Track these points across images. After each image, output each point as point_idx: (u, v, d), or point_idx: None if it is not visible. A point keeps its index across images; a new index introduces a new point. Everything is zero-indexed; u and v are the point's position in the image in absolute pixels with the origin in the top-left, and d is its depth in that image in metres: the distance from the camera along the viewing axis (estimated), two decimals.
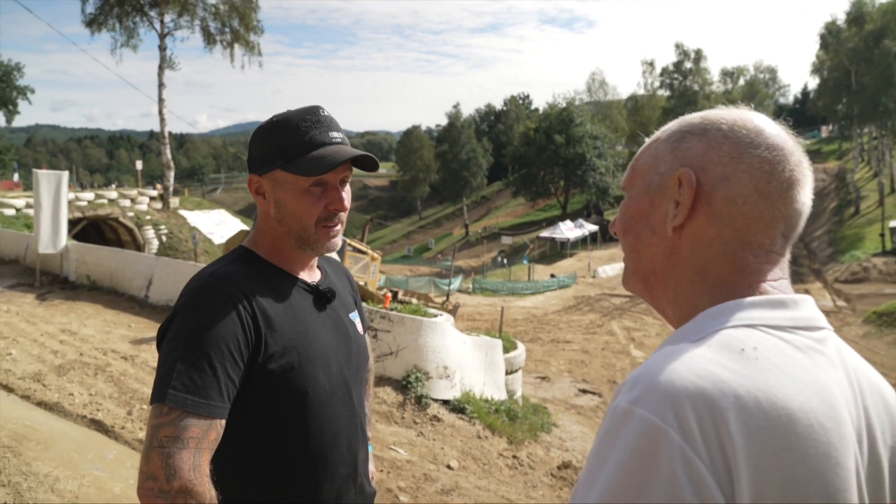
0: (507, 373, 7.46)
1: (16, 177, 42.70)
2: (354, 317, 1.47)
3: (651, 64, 53.19)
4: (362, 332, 1.49)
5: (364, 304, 6.33)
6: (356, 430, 1.37)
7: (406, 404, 5.54)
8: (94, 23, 25.98)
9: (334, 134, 1.29)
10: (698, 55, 50.84)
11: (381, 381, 5.83)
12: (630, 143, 58.19)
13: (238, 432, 1.20)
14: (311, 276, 1.39)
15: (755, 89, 58.94)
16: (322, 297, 1.35)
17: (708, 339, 0.65)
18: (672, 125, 0.80)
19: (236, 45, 27.61)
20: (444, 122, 72.77)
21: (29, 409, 5.04)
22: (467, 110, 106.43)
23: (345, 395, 1.34)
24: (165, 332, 1.20)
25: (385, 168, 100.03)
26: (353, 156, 1.26)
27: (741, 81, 55.98)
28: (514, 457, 5.57)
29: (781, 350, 0.64)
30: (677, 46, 51.29)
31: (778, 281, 0.72)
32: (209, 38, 27.26)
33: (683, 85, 50.84)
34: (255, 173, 1.31)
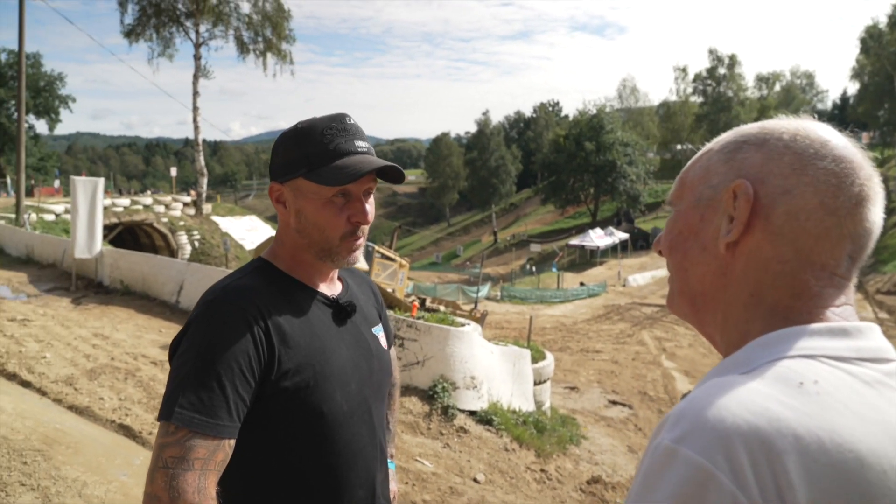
0: (536, 383, 7.33)
1: (56, 183, 43.86)
2: (378, 331, 1.41)
3: (683, 70, 52.58)
4: (386, 347, 1.43)
5: (390, 312, 6.30)
6: (375, 451, 1.30)
7: (432, 415, 5.46)
8: (132, 33, 26.67)
9: (360, 143, 1.24)
10: (732, 60, 50.04)
11: (408, 390, 5.77)
12: (662, 150, 57.52)
13: (248, 453, 1.14)
14: (331, 288, 1.34)
15: (792, 95, 57.73)
16: (342, 311, 1.29)
17: (761, 370, 0.58)
18: (727, 136, 0.74)
19: (269, 54, 28.07)
20: (473, 129, 73.00)
21: (60, 412, 5.10)
22: (497, 117, 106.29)
23: (364, 415, 1.27)
24: (177, 346, 1.15)
25: (414, 175, 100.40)
26: (378, 166, 1.21)
27: (777, 87, 54.95)
28: (543, 470, 5.44)
29: (846, 384, 0.56)
30: (711, 52, 50.59)
31: (842, 307, 0.64)
32: (242, 48, 27.74)
33: (717, 91, 50.06)
34: (276, 181, 1.26)
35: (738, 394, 0.54)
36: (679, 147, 54.03)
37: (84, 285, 10.17)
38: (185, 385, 1.06)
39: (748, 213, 0.65)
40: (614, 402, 11.98)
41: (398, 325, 5.96)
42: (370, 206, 1.27)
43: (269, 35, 27.83)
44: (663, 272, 34.80)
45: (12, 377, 5.75)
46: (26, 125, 48.62)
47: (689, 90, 52.46)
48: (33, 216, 17.23)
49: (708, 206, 0.70)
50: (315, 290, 1.28)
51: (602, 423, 10.26)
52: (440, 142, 75.29)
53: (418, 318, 6.39)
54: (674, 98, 54.44)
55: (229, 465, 1.08)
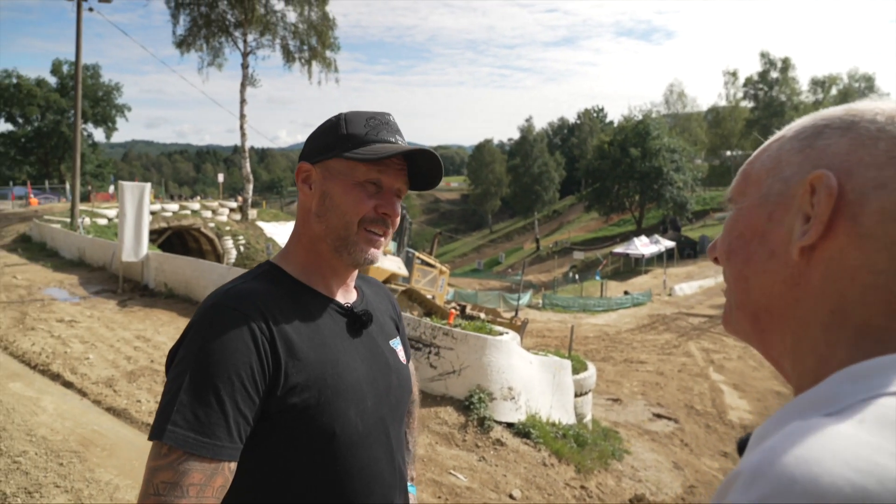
0: (577, 395, 7.10)
1: (111, 189, 45.50)
2: (396, 344, 1.28)
3: (734, 74, 51.18)
4: (405, 361, 1.30)
5: (427, 320, 6.18)
6: (394, 476, 1.17)
7: (468, 426, 5.30)
8: (183, 43, 27.44)
9: (399, 138, 1.17)
10: (786, 64, 48.50)
11: (443, 400, 5.63)
12: (710, 157, 56.09)
13: (251, 478, 1.03)
14: (345, 296, 1.22)
15: (849, 99, 55.09)
16: (357, 320, 1.17)
17: (856, 411, 0.44)
18: (803, 120, 0.61)
19: (314, 63, 28.50)
20: (516, 135, 72.78)
21: (99, 414, 5.15)
22: (540, 124, 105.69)
23: (381, 436, 1.14)
24: (174, 355, 1.04)
25: (456, 182, 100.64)
26: (418, 148, 1.12)
27: (833, 91, 52.87)
28: (583, 487, 5.22)
29: None
30: (763, 55, 49.16)
31: None
32: (288, 56, 28.25)
33: (769, 95, 48.59)
34: (307, 161, 1.17)
35: (833, 443, 0.41)
36: (728, 153, 52.54)
37: (130, 288, 10.40)
38: (180, 400, 0.94)
39: (830, 210, 0.52)
40: (659, 416, 11.59)
41: (434, 333, 5.84)
42: (399, 206, 1.17)
43: (314, 44, 28.26)
44: (711, 281, 33.82)
45: (56, 377, 5.85)
46: (85, 133, 51.04)
47: (740, 95, 51.07)
48: (87, 220, 17.81)
49: (778, 202, 0.57)
50: (328, 297, 1.17)
51: (646, 437, 9.92)
52: (483, 148, 75.29)
53: (455, 326, 6.25)
54: (723, 103, 53.03)
55: (229, 491, 0.97)
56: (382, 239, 1.16)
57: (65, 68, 48.00)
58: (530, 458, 5.16)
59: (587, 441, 6.21)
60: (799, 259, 0.54)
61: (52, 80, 50.26)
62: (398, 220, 1.17)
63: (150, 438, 0.95)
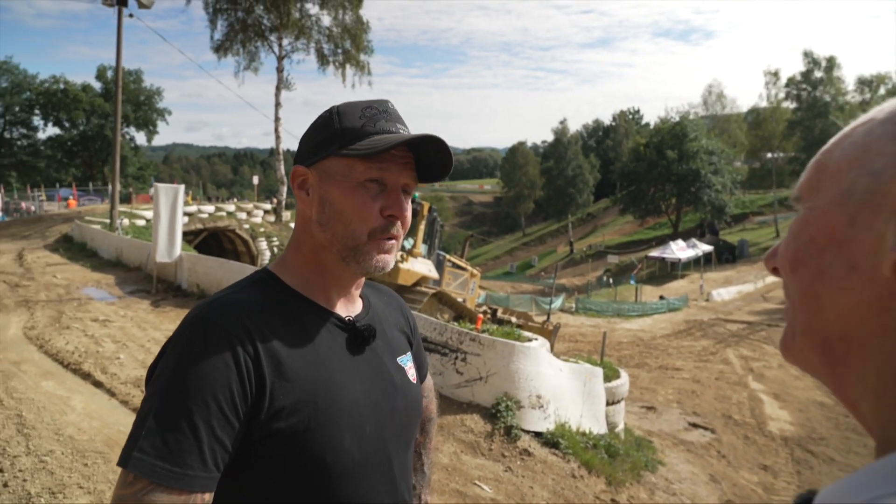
0: (608, 404, 6.89)
1: (151, 191, 46.62)
2: (405, 361, 1.16)
3: (775, 74, 49.75)
4: (416, 380, 1.18)
5: (454, 325, 6.06)
6: None
7: (494, 435, 5.16)
8: (220, 48, 27.94)
9: (401, 126, 1.05)
10: (831, 63, 46.95)
11: (469, 407, 5.50)
12: (750, 159, 54.75)
13: None
14: (348, 308, 1.11)
15: None
16: (358, 335, 1.06)
17: None
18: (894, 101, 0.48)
19: (347, 66, 28.71)
20: (550, 138, 72.27)
21: (126, 414, 5.17)
22: (574, 126, 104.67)
23: (381, 465, 1.03)
24: (152, 372, 0.95)
25: (489, 184, 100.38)
26: (421, 136, 1.00)
27: (882, 90, 50.97)
28: (613, 500, 5.03)
29: None
30: (806, 54, 47.66)
31: None
32: (323, 60, 28.52)
33: (813, 96, 47.07)
34: (301, 164, 1.06)
35: None
36: (769, 155, 51.13)
37: (164, 288, 10.54)
38: (148, 425, 0.85)
39: None
40: (695, 425, 11.24)
41: (461, 338, 5.71)
42: (408, 205, 1.06)
43: (348, 47, 28.47)
44: (750, 287, 32.98)
45: (87, 376, 5.91)
46: (127, 136, 52.52)
47: (782, 95, 49.54)
48: (126, 221, 18.21)
49: (864, 202, 0.45)
50: (326, 310, 1.06)
51: (681, 447, 9.63)
52: (516, 151, 74.93)
53: (483, 331, 6.11)
54: (764, 104, 51.56)
55: None
56: (394, 243, 1.05)
57: (109, 74, 49.50)
58: (559, 470, 4.99)
59: (619, 452, 6.01)
60: (892, 275, 0.42)
61: (97, 86, 51.95)
62: (409, 218, 1.06)
63: (117, 464, 0.87)
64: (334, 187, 1.01)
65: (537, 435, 5.38)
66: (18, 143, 53.95)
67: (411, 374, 1.16)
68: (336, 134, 1.02)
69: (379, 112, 1.04)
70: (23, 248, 15.64)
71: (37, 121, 53.36)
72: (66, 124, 51.44)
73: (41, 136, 54.49)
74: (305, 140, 1.08)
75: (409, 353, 1.20)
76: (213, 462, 0.86)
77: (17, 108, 52.84)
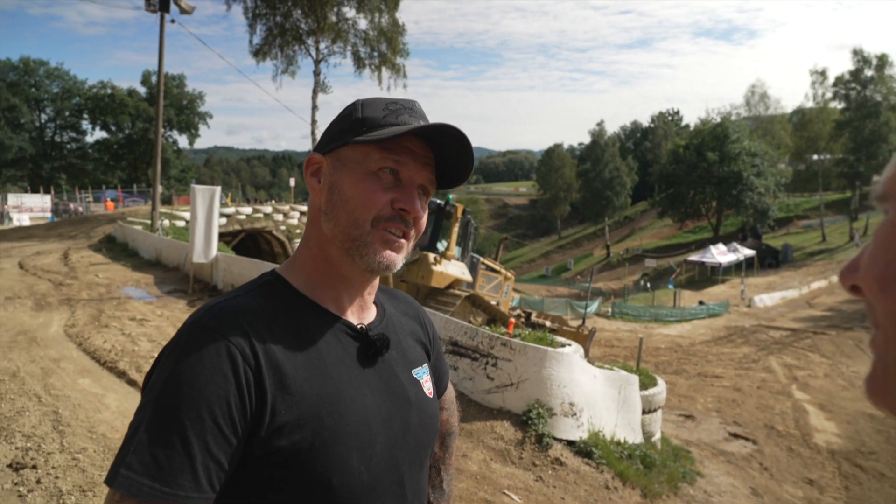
0: (645, 412, 6.68)
1: None
2: (421, 374, 1.08)
3: (822, 73, 48.19)
4: (433, 394, 1.09)
5: (485, 329, 5.95)
6: None
7: (525, 443, 5.03)
8: (259, 52, 28.45)
9: (423, 123, 0.99)
10: (882, 61, 45.26)
11: (500, 414, 5.38)
12: (795, 161, 53.17)
13: None
14: (360, 314, 1.03)
15: None
16: (370, 346, 0.98)
17: None
18: None
19: (383, 68, 28.91)
20: (587, 140, 71.53)
21: None
22: (612, 128, 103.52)
23: (393, 486, 0.95)
24: (148, 381, 0.89)
25: (525, 187, 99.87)
26: (441, 125, 0.93)
27: None
28: None
29: None
30: (856, 53, 46.06)
31: None
32: (359, 63, 28.78)
33: (862, 95, 45.44)
34: (318, 152, 1.01)
35: None
36: (815, 157, 49.56)
37: (200, 288, 10.70)
38: (138, 439, 0.78)
39: None
40: (736, 435, 10.89)
41: (492, 343, 5.60)
42: (423, 210, 0.98)
43: (384, 50, 28.66)
44: (794, 293, 31.98)
45: (122, 375, 6.00)
46: (170, 140, 53.93)
47: (829, 95, 47.94)
48: (166, 222, 18.62)
49: None
50: (335, 316, 0.98)
51: (721, 458, 9.33)
52: (552, 153, 74.37)
53: (515, 336, 5.99)
54: (810, 104, 49.99)
55: None
56: (403, 241, 0.97)
57: (153, 78, 50.90)
58: (592, 480, 4.84)
59: (655, 462, 5.81)
60: None
61: (142, 90, 53.52)
62: (423, 221, 0.98)
63: (104, 482, 0.80)
64: (346, 174, 0.96)
65: (570, 444, 5.23)
66: (68, 146, 56.03)
67: (427, 387, 1.08)
68: (356, 122, 0.97)
69: (403, 108, 0.99)
70: (69, 247, 16.11)
71: (85, 125, 55.44)
72: (113, 128, 53.18)
73: (89, 139, 56.56)
74: (327, 130, 1.04)
75: (425, 365, 1.11)
76: (207, 481, 0.79)
77: (66, 113, 54.90)
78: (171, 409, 0.79)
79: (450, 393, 1.30)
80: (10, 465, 3.80)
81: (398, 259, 0.97)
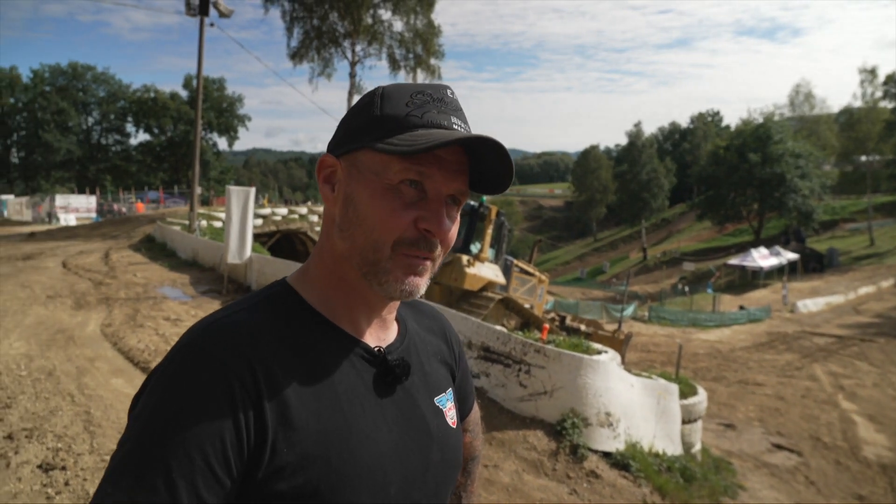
0: (684, 422, 6.43)
1: None
2: (444, 401, 0.96)
3: (872, 72, 46.55)
4: (455, 423, 0.97)
5: (518, 335, 5.79)
6: None
7: (559, 454, 4.85)
8: (296, 55, 28.81)
9: (457, 121, 0.85)
10: None
11: (533, 423, 5.21)
12: (841, 162, 51.50)
13: None
14: (380, 334, 0.91)
15: None
16: (389, 372, 0.86)
17: None
18: None
19: (419, 70, 28.96)
20: (624, 141, 70.65)
21: None
22: (650, 129, 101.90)
23: None
24: (134, 407, 0.78)
25: (560, 188, 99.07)
26: (474, 137, 0.78)
27: None
28: None
29: None
30: None
31: None
32: (394, 64, 28.91)
33: None
34: (330, 153, 0.88)
35: None
36: (863, 158, 47.88)
37: (234, 289, 10.78)
38: (116, 481, 0.67)
39: None
40: (779, 447, 10.49)
41: (525, 350, 5.44)
42: (453, 223, 0.84)
43: (419, 51, 28.71)
44: (840, 298, 30.87)
45: None
46: (210, 142, 55.09)
47: (879, 94, 46.24)
48: (203, 223, 18.91)
49: None
50: (351, 337, 0.86)
51: (764, 470, 8.98)
52: (588, 154, 73.59)
53: (549, 342, 5.81)
54: (858, 104, 48.32)
55: None
56: (428, 263, 0.84)
57: (195, 82, 52.14)
58: (629, 494, 4.64)
59: (695, 475, 5.57)
60: None
61: (184, 94, 54.86)
62: (453, 236, 0.85)
63: None
64: (363, 186, 0.82)
65: (606, 455, 5.03)
66: (113, 148, 57.79)
67: (451, 416, 0.96)
68: (374, 121, 0.83)
69: (432, 100, 0.84)
70: (110, 247, 16.48)
71: (129, 127, 57.11)
72: (156, 130, 54.70)
73: (133, 141, 58.23)
74: (342, 124, 0.89)
75: (449, 391, 0.99)
76: None
77: (112, 116, 56.64)
78: (155, 447, 0.68)
79: (474, 414, 1.17)
80: (39, 466, 3.81)
81: (422, 284, 0.84)
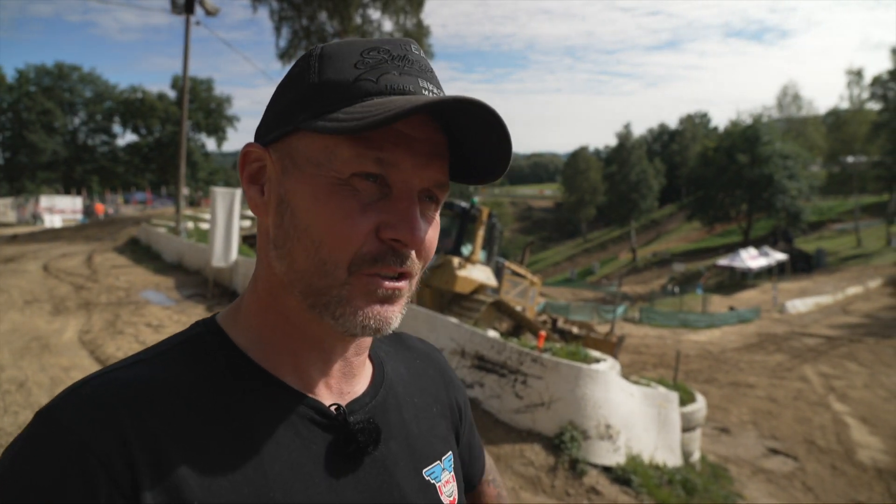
0: (683, 430, 6.25)
1: None
2: (437, 472, 0.72)
3: (859, 73, 46.93)
4: (455, 501, 0.72)
5: (513, 343, 5.58)
6: None
7: (557, 469, 4.64)
8: (285, 55, 28.51)
9: (426, 83, 0.61)
10: None
11: (529, 436, 5.00)
12: (829, 163, 51.86)
13: None
14: (341, 385, 0.67)
15: None
16: (351, 440, 0.62)
17: None
18: None
19: None
20: (613, 142, 70.83)
21: None
22: (639, 130, 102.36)
23: None
24: None
25: (550, 189, 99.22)
26: (454, 100, 0.54)
27: None
28: None
29: None
30: (894, 52, 44.74)
31: None
32: None
33: None
34: (257, 140, 0.64)
35: None
36: (850, 159, 48.25)
37: (219, 293, 10.51)
38: None
39: None
40: (775, 451, 10.37)
41: (521, 359, 5.22)
42: (432, 225, 0.61)
43: None
44: (829, 298, 30.94)
45: None
46: (198, 143, 54.64)
47: (866, 95, 46.64)
48: (190, 225, 18.58)
49: None
50: (297, 393, 0.62)
51: (761, 476, 8.85)
52: (578, 156, 73.62)
53: (545, 351, 5.61)
54: (846, 105, 48.73)
55: None
56: (402, 286, 0.60)
57: (180, 83, 51.70)
58: None
59: (696, 487, 5.39)
60: None
61: (172, 94, 54.39)
62: (432, 243, 0.61)
63: None
64: (301, 184, 0.59)
65: (606, 470, 4.82)
66: (99, 149, 57.09)
67: (448, 492, 0.71)
68: (311, 91, 0.59)
69: (390, 58, 0.60)
70: (94, 249, 16.13)
71: (116, 128, 56.48)
72: (143, 131, 54.12)
73: (120, 142, 57.62)
74: (271, 102, 0.65)
75: (448, 457, 0.74)
76: None
77: (99, 117, 55.99)
78: None
79: (488, 461, 0.94)
80: None
81: (394, 315, 0.60)
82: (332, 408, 0.63)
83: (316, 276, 0.58)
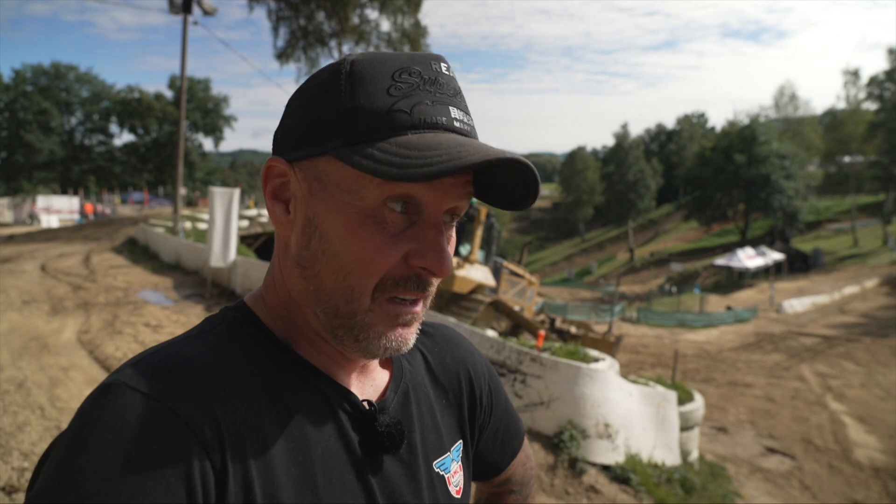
0: (681, 429, 6.27)
1: None
2: (447, 463, 0.73)
3: (855, 74, 46.98)
4: (460, 491, 0.74)
5: (512, 343, 5.59)
6: None
7: (557, 468, 4.65)
8: (283, 55, 28.51)
9: (456, 112, 0.61)
10: None
11: (529, 435, 5.01)
12: (826, 163, 51.95)
13: None
14: (362, 380, 0.69)
15: None
16: (376, 437, 0.64)
17: None
18: None
19: None
20: (610, 142, 70.86)
21: None
22: (636, 130, 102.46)
23: None
24: (34, 482, 0.54)
25: (548, 189, 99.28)
26: (499, 158, 0.54)
27: None
28: None
29: None
30: (891, 52, 44.80)
31: None
32: None
33: None
34: (280, 156, 0.63)
35: None
36: (847, 159, 48.31)
37: (218, 293, 10.50)
38: None
39: None
40: (773, 450, 10.40)
41: (520, 358, 5.23)
42: (450, 245, 0.62)
43: (406, 51, 28.59)
44: (825, 298, 31.02)
45: None
46: (195, 142, 54.52)
47: (862, 95, 46.67)
48: (188, 224, 18.56)
49: None
50: (340, 387, 0.64)
51: (759, 475, 8.87)
52: (576, 156, 73.70)
53: (544, 350, 5.62)
54: (842, 105, 48.77)
55: None
56: (419, 307, 0.62)
57: (178, 83, 51.61)
58: None
59: (695, 486, 5.41)
60: None
61: (169, 94, 54.30)
62: (451, 264, 0.61)
63: None
64: (332, 210, 0.59)
65: (605, 468, 4.83)
66: (96, 149, 56.93)
67: (456, 482, 0.73)
68: (343, 116, 0.58)
69: (422, 82, 0.59)
70: (91, 249, 16.09)
71: (113, 128, 56.34)
72: (140, 131, 53.99)
73: (117, 142, 57.49)
74: (294, 113, 0.63)
75: (457, 446, 0.76)
76: None
77: (96, 117, 55.83)
78: None
79: (520, 465, 0.92)
80: (3, 489, 3.55)
81: (411, 336, 0.63)
82: (363, 402, 0.65)
83: (343, 300, 0.59)
